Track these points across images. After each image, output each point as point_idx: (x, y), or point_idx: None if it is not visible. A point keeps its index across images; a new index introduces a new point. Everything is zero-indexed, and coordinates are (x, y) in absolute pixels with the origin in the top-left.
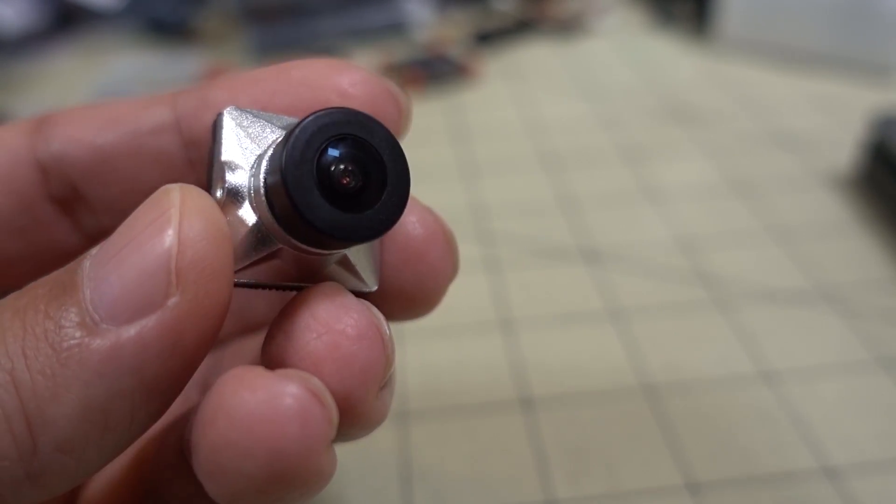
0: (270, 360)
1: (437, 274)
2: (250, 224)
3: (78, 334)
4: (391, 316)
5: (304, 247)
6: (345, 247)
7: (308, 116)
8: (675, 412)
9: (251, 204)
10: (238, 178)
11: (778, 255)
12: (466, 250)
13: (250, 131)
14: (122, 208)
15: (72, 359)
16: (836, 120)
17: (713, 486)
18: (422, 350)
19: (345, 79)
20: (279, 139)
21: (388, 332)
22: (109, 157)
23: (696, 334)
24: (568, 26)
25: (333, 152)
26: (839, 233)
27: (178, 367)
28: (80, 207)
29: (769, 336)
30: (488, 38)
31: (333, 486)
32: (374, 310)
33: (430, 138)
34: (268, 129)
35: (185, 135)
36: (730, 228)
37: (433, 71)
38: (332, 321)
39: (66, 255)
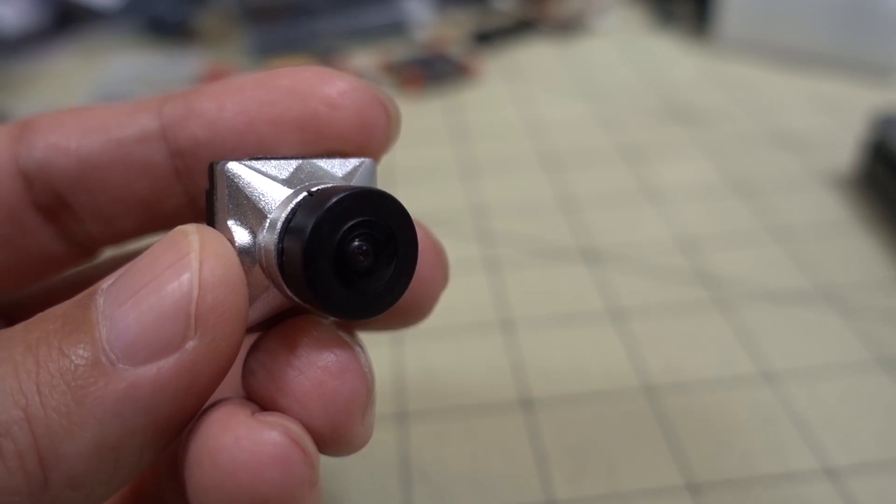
0: (253, 396)
1: (429, 286)
2: (263, 288)
3: (95, 373)
4: (385, 326)
5: (309, 308)
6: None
7: (329, 200)
8: (676, 412)
9: (260, 264)
10: (244, 237)
11: (778, 255)
12: (466, 250)
13: (252, 190)
14: (108, 216)
15: (87, 397)
16: (836, 120)
17: (713, 487)
18: (422, 350)
19: (333, 88)
20: (289, 199)
21: (367, 362)
22: (95, 167)
23: (696, 334)
24: (568, 26)
25: (353, 243)
26: (839, 233)
27: (190, 405)
28: (65, 215)
29: (769, 336)
30: (488, 37)
31: (333, 485)
32: (352, 340)
33: (430, 138)
34: (271, 187)
35: (171, 144)
36: (730, 228)
37: (433, 71)
38: (313, 358)
39: (52, 262)
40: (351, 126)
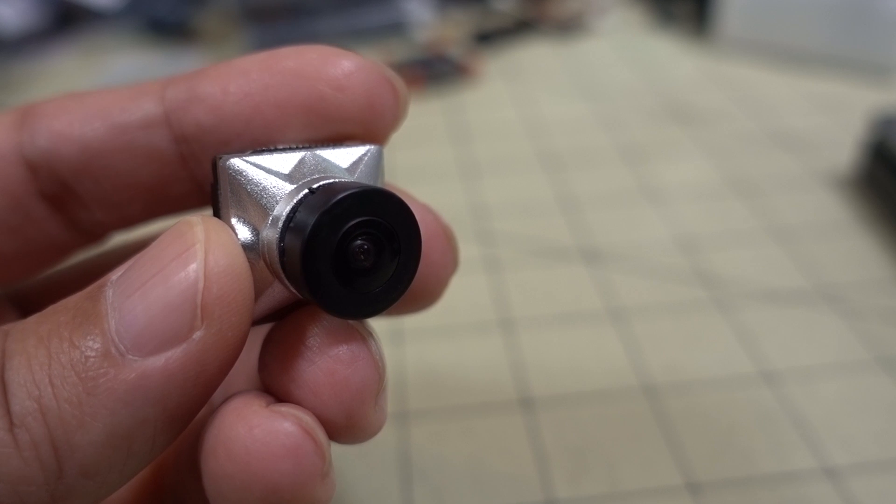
0: (268, 388)
1: (438, 271)
2: (268, 283)
3: (105, 364)
4: (396, 312)
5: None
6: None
7: (329, 201)
8: (675, 412)
9: (264, 259)
10: (247, 234)
11: (778, 255)
12: (466, 250)
13: (254, 186)
14: (115, 203)
15: (98, 388)
16: (836, 120)
17: (713, 486)
18: (422, 350)
19: (338, 70)
20: (291, 195)
21: (378, 349)
22: (99, 154)
23: (696, 334)
24: (568, 26)
25: (354, 243)
26: (839, 233)
27: (199, 394)
28: (71, 203)
29: (769, 336)
30: (488, 38)
31: None
32: (362, 328)
33: (430, 138)
34: (273, 183)
35: (175, 129)
36: (730, 228)
37: (433, 71)
38: (324, 348)
39: (59, 249)
40: (358, 108)
